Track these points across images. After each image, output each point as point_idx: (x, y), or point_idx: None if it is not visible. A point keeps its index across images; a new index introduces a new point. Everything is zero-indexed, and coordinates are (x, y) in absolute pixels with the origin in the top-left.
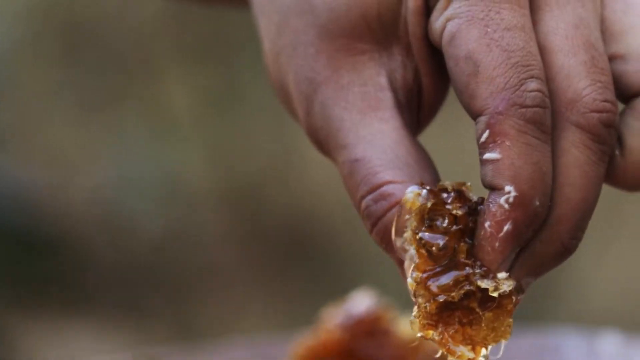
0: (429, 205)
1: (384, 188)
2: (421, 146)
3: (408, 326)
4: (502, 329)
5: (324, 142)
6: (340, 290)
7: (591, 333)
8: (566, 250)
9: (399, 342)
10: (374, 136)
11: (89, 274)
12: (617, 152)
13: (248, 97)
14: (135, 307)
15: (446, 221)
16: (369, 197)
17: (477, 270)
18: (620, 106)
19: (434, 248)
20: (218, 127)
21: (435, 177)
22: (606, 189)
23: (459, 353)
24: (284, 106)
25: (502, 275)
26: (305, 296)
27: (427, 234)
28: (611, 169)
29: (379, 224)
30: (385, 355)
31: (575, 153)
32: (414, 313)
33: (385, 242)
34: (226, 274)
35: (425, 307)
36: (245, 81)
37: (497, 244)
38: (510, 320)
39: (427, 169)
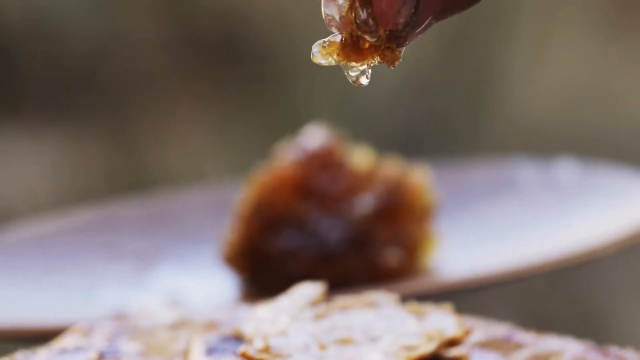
0: None
1: None
2: None
3: (361, 158)
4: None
5: None
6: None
7: (546, 162)
8: None
9: (353, 174)
10: None
11: (19, 82)
12: None
13: None
14: (69, 115)
15: None
16: None
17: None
18: None
19: None
20: None
21: None
22: None
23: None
24: None
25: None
26: (242, 103)
27: None
28: None
29: None
30: (340, 188)
31: None
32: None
33: None
34: (160, 82)
35: None
36: None
37: None
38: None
39: None
